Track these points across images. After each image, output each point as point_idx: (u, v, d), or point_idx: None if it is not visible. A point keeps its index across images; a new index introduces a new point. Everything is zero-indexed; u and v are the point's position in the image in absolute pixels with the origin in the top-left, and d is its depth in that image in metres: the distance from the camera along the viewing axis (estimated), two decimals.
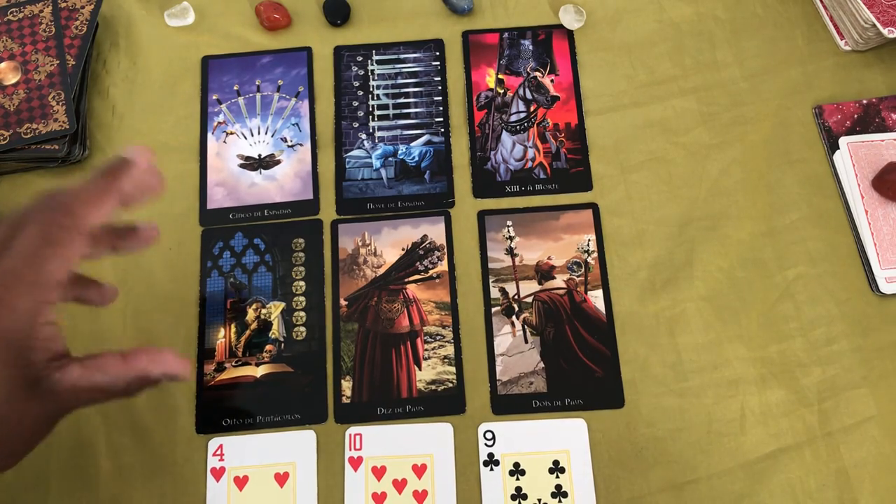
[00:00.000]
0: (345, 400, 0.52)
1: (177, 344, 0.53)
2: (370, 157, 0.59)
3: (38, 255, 0.35)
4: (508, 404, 0.51)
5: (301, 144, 0.59)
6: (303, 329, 0.54)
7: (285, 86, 0.61)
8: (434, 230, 0.56)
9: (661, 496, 0.49)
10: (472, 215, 0.57)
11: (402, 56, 0.62)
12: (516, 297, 0.54)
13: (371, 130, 0.60)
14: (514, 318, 0.54)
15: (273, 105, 0.61)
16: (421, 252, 0.56)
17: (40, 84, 0.58)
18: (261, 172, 0.59)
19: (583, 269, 0.55)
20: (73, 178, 0.58)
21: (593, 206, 0.57)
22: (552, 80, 0.61)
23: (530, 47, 0.62)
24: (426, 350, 0.53)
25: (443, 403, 0.51)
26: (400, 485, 0.49)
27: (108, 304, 0.43)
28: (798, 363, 0.51)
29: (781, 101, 0.59)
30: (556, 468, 0.49)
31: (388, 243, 0.56)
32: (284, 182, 0.58)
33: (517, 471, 0.49)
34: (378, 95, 0.61)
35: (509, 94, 0.60)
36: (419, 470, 0.49)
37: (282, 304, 0.55)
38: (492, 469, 0.49)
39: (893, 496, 0.48)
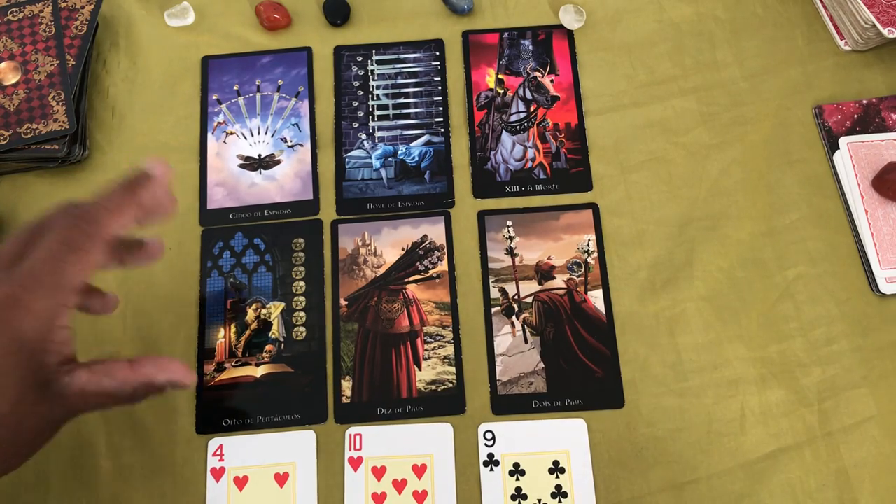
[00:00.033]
0: (345, 400, 0.52)
1: (177, 344, 0.53)
2: (370, 158, 0.59)
3: (59, 259, 0.36)
4: (508, 404, 0.51)
5: (301, 144, 0.59)
6: (303, 329, 0.54)
7: (285, 86, 0.61)
8: (434, 230, 0.56)
9: (661, 496, 0.49)
10: (472, 215, 0.57)
11: (402, 56, 0.62)
12: (516, 297, 0.54)
13: (371, 130, 0.60)
14: (514, 318, 0.54)
15: (273, 105, 0.61)
16: (421, 252, 0.56)
17: (40, 84, 0.58)
18: (261, 172, 0.59)
19: (583, 270, 0.55)
20: (74, 178, 0.58)
21: (593, 206, 0.57)
22: (552, 80, 0.61)
23: (530, 47, 0.62)
24: (426, 350, 0.53)
25: (443, 403, 0.51)
26: (400, 485, 0.49)
27: (109, 313, 0.44)
28: (798, 363, 0.51)
29: (781, 101, 0.59)
30: (556, 468, 0.49)
31: (388, 243, 0.56)
32: (284, 182, 0.58)
33: (517, 471, 0.49)
34: (378, 95, 0.61)
35: (509, 94, 0.60)
36: (419, 470, 0.49)
37: (282, 305, 0.55)
38: (492, 469, 0.49)
39: (893, 496, 0.48)
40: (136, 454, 0.50)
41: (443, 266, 0.55)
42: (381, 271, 0.55)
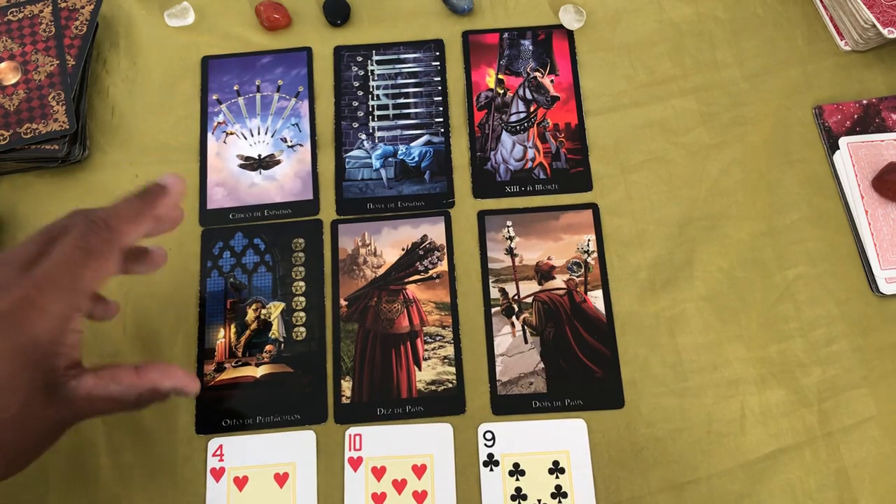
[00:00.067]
0: (345, 400, 0.52)
1: (177, 344, 0.53)
2: (370, 158, 0.59)
3: (76, 264, 0.36)
4: (508, 404, 0.51)
5: (301, 144, 0.59)
6: (303, 329, 0.54)
7: (285, 86, 0.61)
8: (434, 230, 0.56)
9: (661, 496, 0.49)
10: (472, 215, 0.57)
11: (402, 56, 0.62)
12: (516, 297, 0.54)
13: (371, 130, 0.60)
14: (513, 318, 0.54)
15: (273, 105, 0.61)
16: (421, 252, 0.56)
17: (40, 84, 0.58)
18: (261, 172, 0.59)
19: (583, 270, 0.55)
20: (74, 178, 0.58)
21: (593, 207, 0.56)
22: (552, 81, 0.61)
23: (530, 47, 0.62)
24: (426, 350, 0.53)
25: (443, 404, 0.51)
26: (400, 485, 0.49)
27: (111, 319, 0.45)
28: (798, 363, 0.51)
29: (781, 102, 0.59)
30: (556, 468, 0.49)
31: (387, 243, 0.56)
32: (284, 182, 0.58)
33: (517, 471, 0.49)
34: (378, 95, 0.61)
35: (509, 94, 0.60)
36: (419, 470, 0.49)
37: (282, 305, 0.55)
38: (492, 469, 0.49)
39: (893, 496, 0.48)
40: (136, 454, 0.50)
41: (443, 266, 0.55)
42: (381, 271, 0.55)
